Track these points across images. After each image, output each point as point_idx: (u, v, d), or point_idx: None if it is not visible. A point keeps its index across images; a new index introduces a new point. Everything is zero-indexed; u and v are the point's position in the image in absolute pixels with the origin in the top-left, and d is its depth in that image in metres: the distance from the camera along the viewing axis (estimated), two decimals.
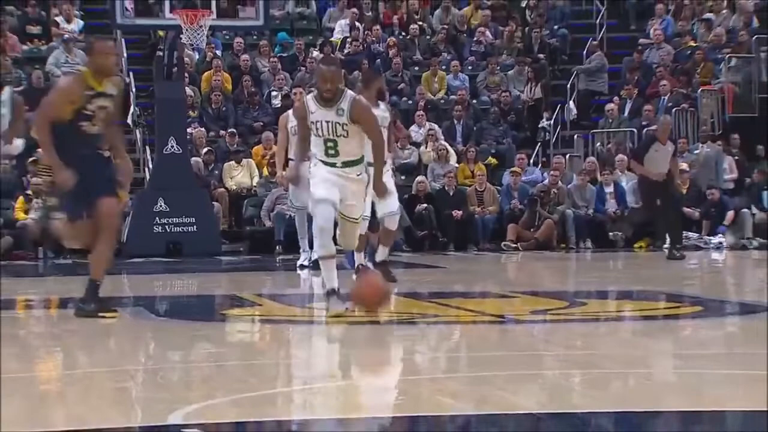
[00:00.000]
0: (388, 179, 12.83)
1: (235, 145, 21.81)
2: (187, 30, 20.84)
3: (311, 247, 15.99)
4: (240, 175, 20.17)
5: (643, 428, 5.97)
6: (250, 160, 20.62)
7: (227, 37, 24.81)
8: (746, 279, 15.87)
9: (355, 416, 6.33)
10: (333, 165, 10.52)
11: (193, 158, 20.56)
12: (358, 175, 10.62)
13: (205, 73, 23.67)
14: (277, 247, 18.50)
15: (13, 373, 8.06)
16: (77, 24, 23.30)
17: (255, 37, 24.39)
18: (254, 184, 19.83)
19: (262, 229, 18.26)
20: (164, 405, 6.51)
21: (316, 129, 10.46)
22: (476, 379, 7.50)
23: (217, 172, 20.97)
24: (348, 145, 10.50)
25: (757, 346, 8.85)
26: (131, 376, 7.76)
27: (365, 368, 7.91)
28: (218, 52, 24.36)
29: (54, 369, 8.53)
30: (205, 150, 21.32)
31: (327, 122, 10.40)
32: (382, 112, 12.93)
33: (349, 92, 10.72)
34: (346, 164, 10.54)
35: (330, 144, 10.47)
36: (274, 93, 23.69)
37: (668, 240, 17.75)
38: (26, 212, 18.98)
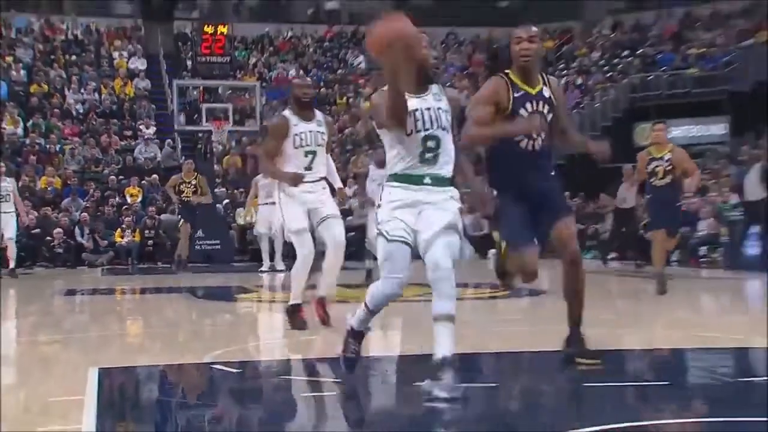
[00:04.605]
0: None
1: (243, 198, 21.57)
2: (215, 132, 20.83)
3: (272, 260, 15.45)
4: (246, 215, 19.90)
5: (482, 363, 5.93)
6: (252, 207, 20.40)
7: (237, 138, 24.57)
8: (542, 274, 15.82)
9: (322, 356, 6.26)
10: (420, 180, 4.70)
11: (218, 205, 20.27)
12: (451, 197, 4.76)
13: (225, 157, 23.40)
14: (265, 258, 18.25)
15: (110, 332, 7.91)
16: (152, 129, 23.03)
17: (257, 134, 24.14)
18: (253, 220, 19.57)
19: (258, 247, 17.92)
20: (200, 350, 6.39)
21: (415, 121, 4.68)
22: (386, 333, 7.44)
23: (232, 213, 20.70)
24: (449, 140, 4.76)
25: (542, 315, 8.88)
26: (180, 332, 7.63)
27: (326, 328, 7.77)
28: (233, 143, 24.10)
29: (134, 329, 8.38)
30: (225, 201, 21.07)
31: (428, 110, 4.72)
32: None
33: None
34: (438, 181, 4.73)
35: (431, 144, 4.69)
36: None
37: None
38: (122, 237, 18.64)
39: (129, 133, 22.91)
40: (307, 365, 5.98)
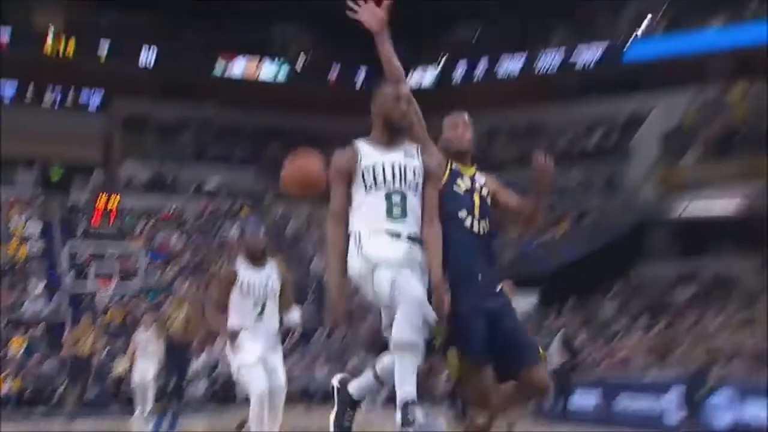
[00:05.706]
0: None
1: (123, 349, 20.75)
2: (101, 290, 20.43)
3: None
4: (123, 365, 19.19)
5: None
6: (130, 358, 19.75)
7: (121, 294, 24.02)
8: None
9: None
10: (398, 236, 3.71)
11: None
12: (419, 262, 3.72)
13: (110, 310, 22.68)
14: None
15: None
16: (41, 286, 22.17)
17: (139, 292, 23.65)
18: (129, 370, 18.93)
19: (132, 396, 17.28)
20: None
21: (375, 174, 3.75)
22: None
23: (110, 363, 19.92)
24: (416, 202, 3.80)
25: None
26: None
27: None
28: (116, 299, 23.45)
29: None
30: (106, 349, 20.28)
31: (392, 164, 3.79)
32: None
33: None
34: (413, 239, 3.73)
35: (396, 198, 3.74)
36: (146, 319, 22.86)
37: None
38: (2, 386, 17.74)
39: (20, 288, 22.14)
40: None
